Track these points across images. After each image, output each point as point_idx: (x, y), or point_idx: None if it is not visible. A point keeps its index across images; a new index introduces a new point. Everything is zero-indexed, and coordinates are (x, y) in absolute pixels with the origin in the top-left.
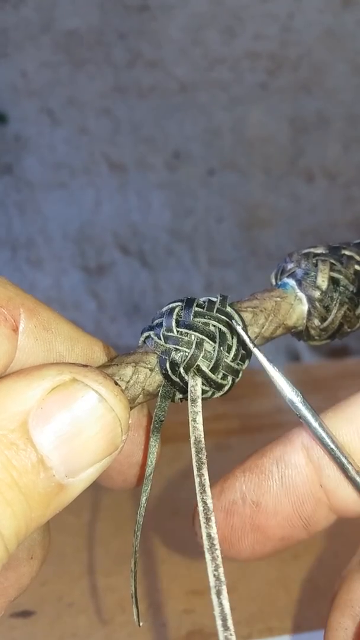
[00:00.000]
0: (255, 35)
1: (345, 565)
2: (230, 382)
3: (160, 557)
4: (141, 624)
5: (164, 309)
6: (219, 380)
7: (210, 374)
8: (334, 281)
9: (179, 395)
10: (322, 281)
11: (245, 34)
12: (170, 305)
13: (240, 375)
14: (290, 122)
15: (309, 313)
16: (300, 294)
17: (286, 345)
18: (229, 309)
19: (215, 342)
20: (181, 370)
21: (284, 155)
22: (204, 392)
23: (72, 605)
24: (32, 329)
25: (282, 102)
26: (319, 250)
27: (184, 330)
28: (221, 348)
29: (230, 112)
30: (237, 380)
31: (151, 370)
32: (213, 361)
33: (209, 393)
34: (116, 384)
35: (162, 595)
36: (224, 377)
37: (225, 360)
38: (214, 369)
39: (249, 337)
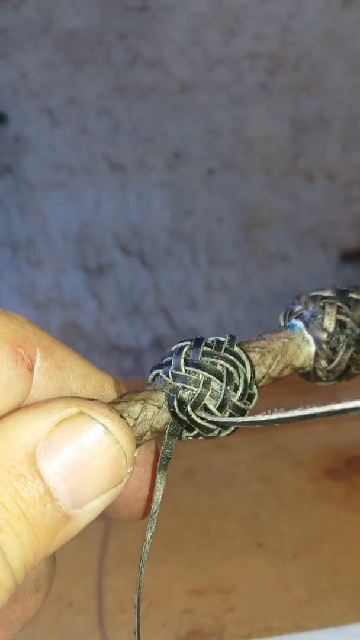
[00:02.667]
0: (255, 35)
1: (345, 565)
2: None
3: (160, 557)
4: None
5: (173, 347)
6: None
7: (216, 412)
8: (340, 324)
9: (186, 434)
10: (329, 323)
11: (245, 34)
12: (179, 345)
13: (247, 414)
14: (290, 122)
15: (316, 354)
16: (308, 336)
17: None
18: (236, 348)
19: (222, 381)
20: (188, 408)
21: (284, 155)
22: (210, 430)
23: (73, 605)
24: (46, 368)
25: (282, 102)
26: (326, 293)
27: (192, 369)
28: (228, 387)
29: (230, 112)
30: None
31: (159, 407)
32: (220, 400)
33: (216, 432)
34: (122, 417)
35: (162, 595)
36: (231, 416)
37: (232, 399)
38: (220, 408)
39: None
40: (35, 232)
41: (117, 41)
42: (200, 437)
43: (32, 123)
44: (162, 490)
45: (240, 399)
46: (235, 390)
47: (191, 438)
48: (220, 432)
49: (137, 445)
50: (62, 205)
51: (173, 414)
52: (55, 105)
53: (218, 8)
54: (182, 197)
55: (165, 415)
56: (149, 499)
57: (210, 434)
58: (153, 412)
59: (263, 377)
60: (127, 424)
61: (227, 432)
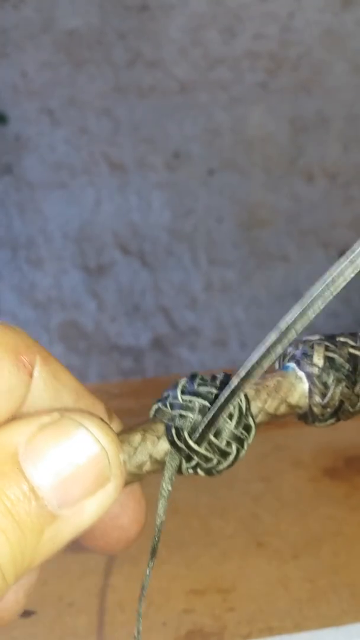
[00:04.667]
0: (255, 35)
1: (345, 565)
2: (235, 451)
3: (160, 557)
4: None
5: (172, 384)
6: (223, 447)
7: (213, 439)
8: (329, 359)
9: (185, 465)
10: (318, 359)
11: (245, 33)
12: (177, 380)
13: (245, 446)
14: (290, 122)
15: (310, 390)
16: (300, 373)
17: None
18: (249, 420)
19: (229, 458)
20: (185, 434)
21: (284, 155)
22: (209, 460)
23: (73, 605)
24: (44, 377)
25: (282, 102)
26: (314, 337)
27: (188, 397)
28: (224, 415)
29: (230, 112)
30: (242, 451)
31: (158, 437)
32: (216, 427)
33: (214, 461)
34: (104, 420)
35: (161, 595)
36: (228, 444)
37: (228, 427)
38: (217, 435)
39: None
40: (35, 232)
41: (117, 41)
42: (201, 472)
43: (32, 123)
44: (162, 521)
45: (236, 427)
46: (230, 418)
47: (191, 471)
48: (219, 462)
49: (139, 477)
50: (62, 205)
51: (172, 442)
52: (55, 105)
53: (218, 8)
54: (182, 197)
55: (165, 446)
56: (130, 529)
57: (209, 464)
58: (152, 442)
59: (259, 412)
60: (110, 426)
61: (227, 462)
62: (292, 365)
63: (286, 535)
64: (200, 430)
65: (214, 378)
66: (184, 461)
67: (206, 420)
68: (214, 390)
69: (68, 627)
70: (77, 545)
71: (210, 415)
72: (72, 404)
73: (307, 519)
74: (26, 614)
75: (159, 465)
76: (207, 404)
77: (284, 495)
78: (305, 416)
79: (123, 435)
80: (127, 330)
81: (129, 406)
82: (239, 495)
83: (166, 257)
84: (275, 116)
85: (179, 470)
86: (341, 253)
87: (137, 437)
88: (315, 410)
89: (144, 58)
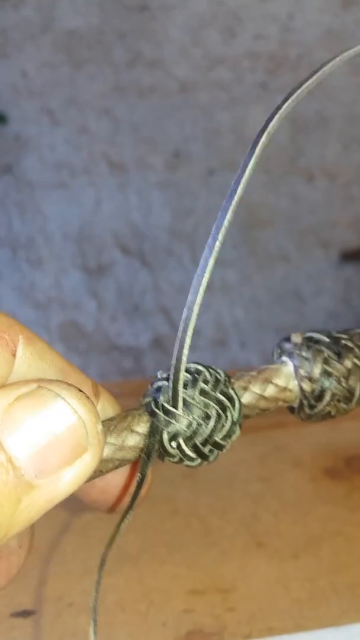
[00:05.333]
0: (255, 35)
1: (345, 565)
2: (215, 455)
3: (160, 557)
4: None
5: (159, 375)
6: (207, 453)
7: (200, 446)
8: (327, 374)
9: (168, 458)
10: (316, 373)
11: (245, 34)
12: (163, 376)
13: (224, 450)
14: (290, 122)
15: (300, 401)
16: (285, 358)
17: None
18: (230, 390)
19: (209, 422)
20: (161, 399)
21: (284, 155)
22: (191, 459)
23: (73, 605)
24: (28, 356)
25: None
26: (317, 337)
27: (184, 408)
28: (215, 427)
29: (230, 112)
30: (221, 454)
31: (140, 414)
32: (204, 437)
33: (197, 462)
34: (81, 390)
35: (162, 595)
36: (211, 451)
37: (216, 438)
38: (204, 444)
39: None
40: (35, 232)
41: (117, 41)
42: (183, 465)
43: (32, 123)
44: (141, 479)
45: (223, 439)
46: (220, 430)
47: (174, 445)
48: (200, 463)
49: (119, 463)
50: (62, 205)
51: (151, 412)
52: (55, 105)
53: (218, 8)
54: (182, 197)
55: (146, 417)
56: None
57: (193, 463)
58: (133, 416)
59: (245, 394)
60: (87, 396)
61: (206, 462)
62: (290, 368)
63: (286, 535)
64: (177, 398)
65: (216, 382)
66: (166, 457)
67: (172, 385)
68: (211, 403)
69: (68, 627)
70: (78, 504)
71: (172, 376)
72: None
73: (307, 519)
74: (26, 613)
75: (140, 438)
76: (200, 421)
77: (284, 495)
78: (292, 410)
79: (106, 420)
80: (127, 330)
81: (129, 406)
82: (239, 495)
83: (166, 257)
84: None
85: (164, 449)
86: (341, 253)
87: (119, 416)
88: (302, 415)
89: (144, 58)
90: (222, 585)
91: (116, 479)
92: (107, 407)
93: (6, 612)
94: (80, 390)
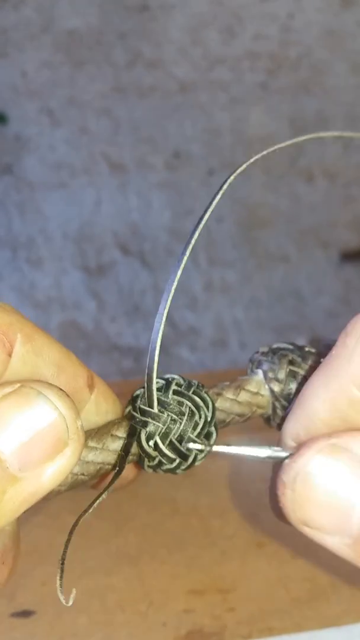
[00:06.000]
0: (255, 35)
1: (346, 566)
2: (194, 456)
3: (160, 557)
4: (69, 603)
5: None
6: (184, 452)
7: (176, 442)
8: (293, 374)
9: (147, 463)
10: (282, 375)
11: (245, 34)
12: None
13: (203, 453)
14: (290, 122)
15: (273, 404)
16: (266, 386)
17: None
18: (203, 392)
19: (183, 419)
20: (139, 402)
21: (284, 155)
22: (170, 459)
23: (72, 605)
24: (23, 354)
25: (282, 102)
26: (283, 346)
27: (160, 408)
28: (187, 424)
29: (230, 112)
30: (200, 456)
31: (120, 420)
32: (179, 433)
33: (176, 462)
34: (62, 390)
35: (161, 595)
36: (188, 450)
37: (190, 435)
38: (179, 440)
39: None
40: (35, 232)
41: (117, 41)
42: (164, 469)
43: (32, 123)
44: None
45: (198, 435)
46: (195, 428)
47: (150, 470)
48: (180, 464)
49: (101, 467)
50: (62, 205)
51: (127, 415)
52: (55, 105)
53: (218, 8)
54: (182, 197)
55: (125, 423)
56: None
57: (172, 465)
58: (113, 423)
59: (225, 419)
60: (66, 394)
61: (187, 464)
62: (260, 375)
63: (286, 535)
64: (152, 398)
65: (189, 385)
66: (146, 460)
67: (147, 386)
68: (185, 401)
69: (68, 627)
70: (78, 504)
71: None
72: (50, 378)
73: None
74: (26, 613)
75: (120, 441)
76: (174, 416)
77: None
78: (268, 420)
79: (90, 429)
80: (127, 330)
81: None
82: (239, 495)
83: (166, 257)
84: (275, 116)
85: (142, 450)
86: (341, 253)
87: (102, 425)
88: (278, 420)
89: (144, 58)
90: (222, 585)
91: None
92: (100, 399)
93: (6, 612)
94: (61, 389)
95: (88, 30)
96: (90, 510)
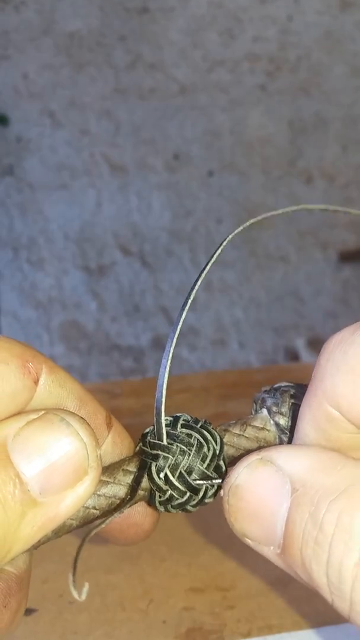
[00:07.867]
0: (255, 37)
1: None
2: (204, 491)
3: (161, 555)
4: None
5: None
6: (194, 485)
7: (185, 475)
8: (295, 407)
9: (158, 499)
10: (285, 409)
11: (245, 36)
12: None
13: (215, 484)
14: (289, 124)
15: (279, 437)
16: (271, 422)
17: (285, 345)
18: (210, 427)
19: (192, 451)
20: (148, 438)
21: (283, 157)
22: (181, 492)
23: (73, 603)
24: (49, 384)
25: (281, 103)
26: (284, 384)
27: (169, 440)
28: (196, 457)
29: (230, 114)
30: (210, 491)
31: (131, 457)
32: (188, 464)
33: (187, 496)
34: (84, 419)
35: (162, 593)
36: (199, 484)
37: (200, 467)
38: (189, 472)
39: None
40: (36, 232)
41: (117, 43)
42: (175, 505)
43: (33, 124)
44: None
45: (207, 468)
46: (203, 460)
47: (162, 508)
48: (191, 498)
49: (112, 501)
50: (63, 206)
51: (139, 451)
52: (56, 106)
53: (217, 10)
54: (182, 198)
55: (136, 459)
56: (141, 525)
57: (183, 499)
58: (125, 461)
59: (233, 454)
60: (88, 424)
61: (197, 499)
62: (265, 412)
63: None
64: (178, 470)
65: (196, 421)
66: (157, 494)
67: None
68: (194, 434)
69: (69, 624)
70: (102, 539)
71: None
72: (73, 410)
73: None
74: (27, 611)
75: (132, 475)
76: (184, 447)
77: None
78: (281, 443)
79: (108, 470)
80: (127, 330)
81: (129, 405)
82: None
83: (166, 258)
84: (275, 118)
85: (153, 483)
86: (339, 254)
87: (119, 474)
88: (281, 422)
89: (144, 60)
90: (222, 583)
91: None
92: (117, 439)
93: None
94: (83, 418)
95: (89, 33)
96: (103, 526)
